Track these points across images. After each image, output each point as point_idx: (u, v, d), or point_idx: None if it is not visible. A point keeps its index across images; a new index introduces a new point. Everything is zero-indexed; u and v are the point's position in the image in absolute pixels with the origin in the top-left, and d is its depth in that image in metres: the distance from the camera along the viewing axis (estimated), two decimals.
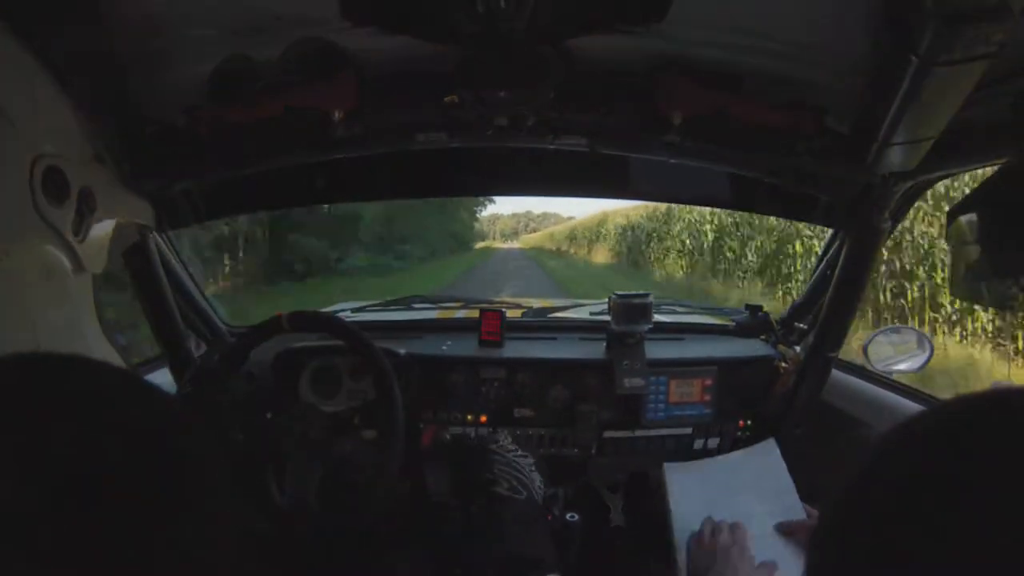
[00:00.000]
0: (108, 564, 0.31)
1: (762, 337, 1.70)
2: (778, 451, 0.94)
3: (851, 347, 1.57)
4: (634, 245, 18.78)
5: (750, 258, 9.96)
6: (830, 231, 1.47)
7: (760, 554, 0.81)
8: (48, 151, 0.85)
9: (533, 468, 1.06)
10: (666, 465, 0.92)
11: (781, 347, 1.59)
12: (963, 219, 0.78)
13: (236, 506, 0.39)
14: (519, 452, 1.09)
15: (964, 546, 0.28)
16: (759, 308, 1.75)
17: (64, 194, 0.88)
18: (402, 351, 1.48)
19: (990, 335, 5.54)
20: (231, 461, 1.39)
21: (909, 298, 6.31)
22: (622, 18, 0.93)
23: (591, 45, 1.02)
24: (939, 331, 5.99)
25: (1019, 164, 0.75)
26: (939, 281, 6.11)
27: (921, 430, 0.34)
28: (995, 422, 0.31)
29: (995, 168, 0.81)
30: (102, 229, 0.99)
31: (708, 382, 1.51)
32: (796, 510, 0.89)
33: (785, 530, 0.84)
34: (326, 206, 10.07)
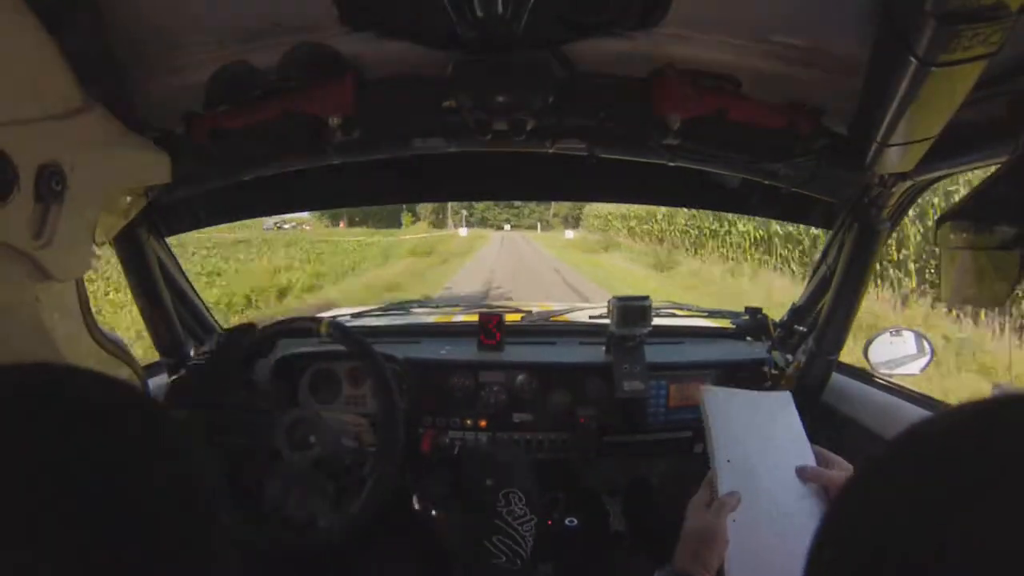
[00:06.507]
0: None
1: (762, 339, 1.70)
2: (792, 402, 0.94)
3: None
4: None
5: None
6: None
7: (774, 500, 0.81)
8: None
9: (532, 531, 1.09)
10: (704, 388, 0.90)
11: (775, 352, 1.58)
12: (954, 224, 0.78)
13: (235, 519, 0.38)
14: (526, 517, 1.10)
15: (971, 551, 0.27)
16: (758, 311, 1.75)
17: (7, 184, 0.59)
18: (401, 356, 1.48)
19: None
20: (231, 468, 1.39)
21: None
22: (621, 22, 0.93)
23: (589, 49, 1.02)
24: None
25: (1017, 166, 0.75)
26: None
27: (928, 435, 0.34)
28: (1003, 428, 0.31)
29: (989, 172, 0.81)
30: (82, 213, 0.70)
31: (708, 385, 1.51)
32: (810, 459, 0.87)
33: (805, 475, 0.84)
34: None
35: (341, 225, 39.25)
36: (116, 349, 0.84)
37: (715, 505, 0.81)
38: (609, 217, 29.88)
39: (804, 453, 0.87)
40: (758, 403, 0.92)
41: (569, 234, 34.31)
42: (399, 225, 40.91)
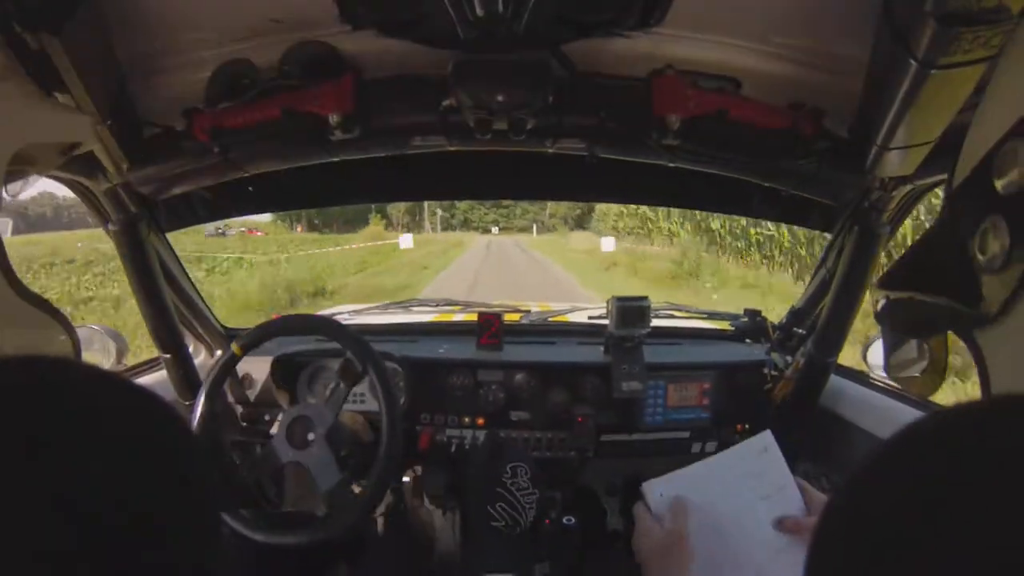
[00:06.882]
0: None
1: (761, 341, 1.70)
2: (775, 443, 0.87)
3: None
4: None
5: None
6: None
7: (763, 553, 0.78)
8: None
9: (534, 504, 1.17)
10: (644, 485, 0.85)
11: (774, 354, 1.58)
12: (886, 293, 0.72)
13: (235, 517, 0.38)
14: (530, 490, 1.16)
15: (965, 551, 0.27)
16: (757, 313, 1.75)
17: None
18: (399, 354, 1.48)
19: None
20: (231, 466, 1.39)
21: None
22: (620, 22, 0.93)
23: (589, 49, 1.02)
24: None
25: (945, 224, 0.69)
26: None
27: (924, 434, 0.34)
28: (998, 427, 0.31)
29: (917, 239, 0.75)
30: None
31: (706, 386, 1.51)
32: (797, 505, 0.83)
33: (784, 527, 0.81)
34: None
35: (299, 229, 33.57)
36: (44, 305, 0.82)
37: (670, 514, 0.77)
38: (645, 216, 20.49)
39: (787, 498, 0.81)
40: (718, 467, 0.84)
41: (608, 244, 18.47)
42: (367, 225, 34.48)
